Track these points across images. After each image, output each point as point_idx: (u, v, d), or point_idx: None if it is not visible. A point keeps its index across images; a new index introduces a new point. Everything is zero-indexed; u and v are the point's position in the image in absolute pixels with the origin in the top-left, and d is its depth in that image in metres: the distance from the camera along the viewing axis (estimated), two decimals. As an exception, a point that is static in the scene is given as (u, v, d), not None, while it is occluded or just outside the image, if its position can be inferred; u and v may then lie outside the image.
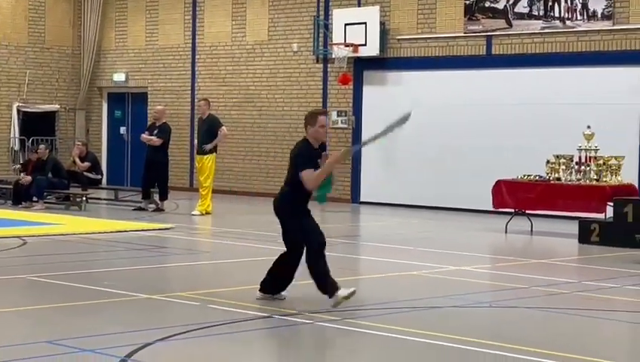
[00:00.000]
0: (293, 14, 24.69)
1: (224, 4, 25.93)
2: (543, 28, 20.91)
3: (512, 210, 18.01)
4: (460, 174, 21.79)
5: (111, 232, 16.42)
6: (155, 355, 7.78)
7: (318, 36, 23.99)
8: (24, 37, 27.64)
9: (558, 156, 17.62)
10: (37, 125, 27.48)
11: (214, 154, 20.14)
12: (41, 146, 21.93)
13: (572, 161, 17.47)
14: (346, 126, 23.64)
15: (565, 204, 17.34)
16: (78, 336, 8.29)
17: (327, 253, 9.83)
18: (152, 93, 27.49)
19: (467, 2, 21.86)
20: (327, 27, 23.78)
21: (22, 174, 21.16)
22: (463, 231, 18.25)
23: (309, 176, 9.62)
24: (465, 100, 21.75)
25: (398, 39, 22.93)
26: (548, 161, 17.72)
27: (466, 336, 8.55)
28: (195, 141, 21.04)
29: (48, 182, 20.93)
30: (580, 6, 20.42)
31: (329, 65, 24.00)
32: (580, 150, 17.45)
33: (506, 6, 21.36)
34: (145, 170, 20.75)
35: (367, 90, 23.59)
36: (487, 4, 21.60)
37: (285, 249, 10.05)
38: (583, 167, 17.34)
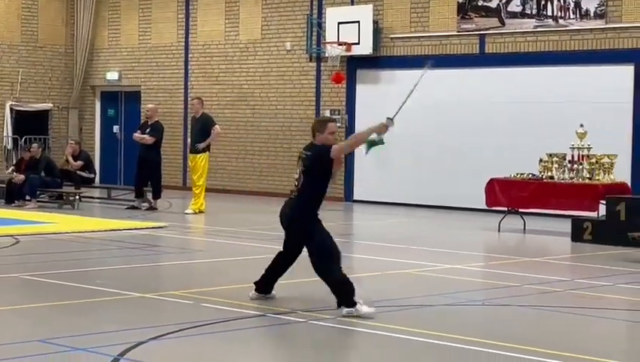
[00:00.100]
0: (286, 13, 24.69)
1: (217, 2, 25.92)
2: (536, 27, 20.93)
3: (505, 209, 18.03)
4: (452, 173, 21.80)
5: (104, 231, 16.40)
6: (148, 354, 7.78)
7: (311, 35, 23.99)
8: (17, 35, 27.59)
9: (551, 154, 17.64)
10: (30, 124, 27.44)
11: (207, 153, 20.13)
12: (34, 145, 21.90)
13: (565, 159, 17.49)
14: (339, 125, 23.60)
15: (558, 202, 17.36)
16: (71, 335, 8.29)
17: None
18: (145, 92, 27.47)
19: (460, 1, 21.88)
20: (321, 26, 23.78)
21: (15, 173, 21.13)
22: (456, 230, 18.27)
23: (342, 145, 9.64)
24: (458, 99, 21.77)
25: (391, 38, 22.94)
26: (541, 160, 17.74)
27: (459, 334, 8.56)
28: (189, 140, 21.03)
29: (41, 180, 20.90)
30: (572, 5, 20.44)
31: (322, 64, 23.99)
32: (572, 148, 17.47)
33: (499, 5, 21.38)
34: (138, 169, 20.74)
35: (361, 89, 23.60)
36: (480, 3, 21.62)
37: (283, 251, 9.96)
38: (575, 166, 17.37)
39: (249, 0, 25.31)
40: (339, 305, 9.37)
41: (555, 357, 7.87)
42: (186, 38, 26.58)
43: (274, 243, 14.12)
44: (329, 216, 19.90)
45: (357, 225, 19.59)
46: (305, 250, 9.83)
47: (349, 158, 22.80)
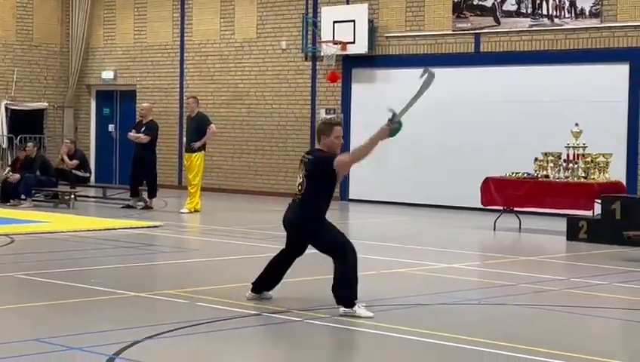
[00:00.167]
0: (281, 12, 24.69)
1: (212, 1, 25.91)
2: (531, 26, 20.95)
3: (501, 208, 18.04)
4: (448, 172, 21.82)
5: (99, 230, 16.39)
6: (144, 353, 7.77)
7: (306, 34, 23.99)
8: (12, 34, 27.56)
9: (546, 153, 17.65)
10: (25, 123, 27.40)
11: (203, 152, 20.12)
12: (30, 144, 21.88)
13: (560, 158, 17.51)
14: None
15: (553, 201, 17.37)
16: (66, 334, 8.28)
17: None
18: (140, 91, 27.45)
19: (455, 0, 21.88)
20: (316, 25, 23.77)
21: (10, 172, 21.11)
22: (451, 229, 18.28)
23: (352, 155, 9.53)
24: (453, 98, 21.76)
25: (387, 37, 22.94)
26: (536, 159, 17.75)
27: (454, 334, 8.57)
28: (184, 139, 21.01)
29: (36, 179, 20.88)
30: (567, 4, 20.46)
31: (318, 63, 24.00)
32: (568, 147, 17.48)
33: (494, 4, 21.40)
34: (133, 168, 20.73)
35: (356, 88, 23.60)
36: (475, 2, 21.63)
37: (284, 251, 9.86)
38: (571, 165, 17.38)
39: (244, -1, 25.33)
40: (338, 303, 9.36)
41: (551, 356, 7.87)
42: (182, 37, 26.57)
43: (270, 242, 14.14)
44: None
45: (352, 224, 19.56)
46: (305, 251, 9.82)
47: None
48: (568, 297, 10.98)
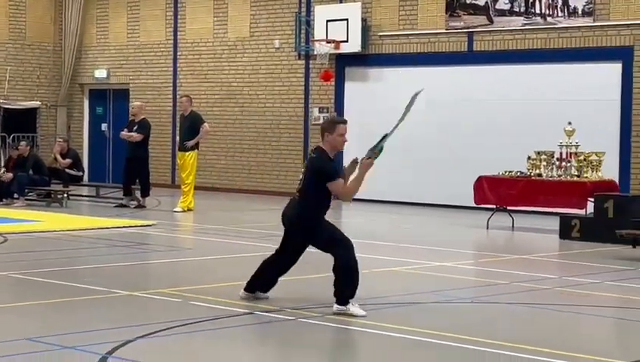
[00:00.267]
0: (274, 11, 24.68)
1: (206, 0, 25.89)
2: (524, 24, 20.97)
3: (494, 206, 18.06)
4: (441, 170, 21.83)
5: (92, 229, 16.38)
6: (137, 352, 7.77)
7: (299, 33, 23.99)
8: (5, 33, 27.51)
9: (539, 152, 17.67)
10: (18, 122, 27.35)
11: (196, 151, 20.12)
12: (22, 143, 21.86)
13: (553, 157, 17.53)
14: (327, 122, 23.61)
15: (546, 199, 17.40)
16: (59, 333, 8.28)
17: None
18: (133, 90, 27.43)
19: (448, -1, 21.92)
20: (309, 23, 23.78)
21: (3, 171, 21.08)
22: (444, 227, 18.30)
23: (344, 191, 9.49)
24: (446, 96, 21.78)
25: (380, 35, 22.95)
26: (529, 157, 17.77)
27: (447, 332, 8.58)
28: (177, 138, 21.01)
29: (29, 178, 20.86)
30: (560, 3, 20.49)
31: (311, 62, 24.00)
32: (560, 146, 17.51)
33: (487, 3, 21.42)
34: (125, 167, 20.72)
35: (349, 87, 23.61)
36: (468, 1, 21.65)
37: (279, 251, 9.83)
38: (564, 163, 17.41)
39: (237, -2, 25.32)
40: (334, 295, 9.33)
41: (543, 355, 7.88)
42: (175, 35, 26.55)
43: (263, 240, 14.15)
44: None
45: (345, 223, 19.56)
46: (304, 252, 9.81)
47: (337, 156, 22.80)
48: (561, 295, 11.00)
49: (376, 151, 9.39)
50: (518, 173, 17.80)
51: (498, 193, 17.78)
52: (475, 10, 21.56)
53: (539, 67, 20.78)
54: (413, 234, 17.22)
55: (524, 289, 11.32)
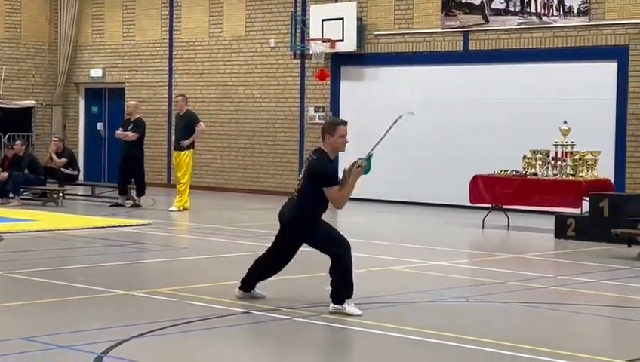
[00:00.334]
0: (270, 10, 24.67)
1: (201, -1, 25.90)
2: (520, 24, 20.98)
3: (489, 205, 18.07)
4: (437, 169, 21.84)
5: (88, 228, 16.37)
6: (132, 351, 7.76)
7: (295, 32, 23.98)
8: (0, 32, 27.47)
9: (534, 151, 17.68)
10: (13, 121, 27.32)
11: (192, 150, 20.12)
12: (18, 142, 21.84)
13: (548, 156, 17.54)
14: (323, 122, 23.59)
15: (542, 199, 17.41)
16: (54, 333, 8.27)
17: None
18: (129, 89, 27.41)
19: (444, -2, 21.93)
20: (305, 23, 23.77)
21: (-2, 171, 21.09)
22: (440, 227, 18.31)
23: (338, 197, 9.51)
24: (442, 96, 21.79)
25: (375, 35, 22.95)
26: (524, 156, 17.77)
27: (442, 331, 8.58)
28: (173, 137, 21.00)
29: (25, 178, 20.84)
30: (556, 2, 20.50)
31: (306, 61, 23.99)
32: (556, 145, 17.52)
33: (482, 2, 21.42)
34: (121, 166, 20.71)
35: (345, 86, 23.61)
36: (463, 0, 21.65)
37: (274, 249, 9.81)
38: (559, 162, 17.42)
39: (233, -3, 25.31)
40: (330, 296, 9.33)
41: (538, 354, 7.89)
42: (170, 34, 26.54)
43: (258, 240, 14.14)
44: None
45: (341, 223, 19.57)
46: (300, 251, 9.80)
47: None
48: (556, 294, 11.00)
49: (363, 165, 9.49)
50: (514, 173, 17.80)
51: (494, 192, 17.79)
52: (471, 9, 21.57)
53: (534, 66, 20.79)
54: (409, 234, 17.23)
55: (520, 288, 11.32)
